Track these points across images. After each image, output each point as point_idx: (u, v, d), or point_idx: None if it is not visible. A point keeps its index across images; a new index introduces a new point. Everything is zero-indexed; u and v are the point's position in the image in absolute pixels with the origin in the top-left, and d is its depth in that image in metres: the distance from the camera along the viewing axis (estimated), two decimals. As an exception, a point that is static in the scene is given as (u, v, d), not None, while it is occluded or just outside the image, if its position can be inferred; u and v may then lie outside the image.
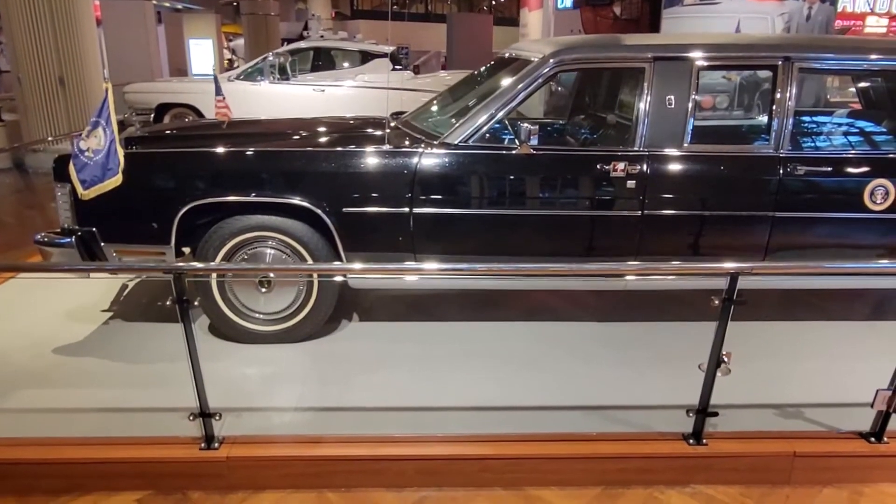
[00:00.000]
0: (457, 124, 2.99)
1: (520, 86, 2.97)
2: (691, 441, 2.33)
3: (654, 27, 8.67)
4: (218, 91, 4.70)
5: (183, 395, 2.24)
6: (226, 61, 19.63)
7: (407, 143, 3.01)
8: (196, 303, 2.23)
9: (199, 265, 2.85)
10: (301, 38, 17.63)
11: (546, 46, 3.13)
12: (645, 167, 2.91)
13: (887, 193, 2.92)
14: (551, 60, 2.98)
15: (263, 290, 3.01)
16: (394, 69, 9.69)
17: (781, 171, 2.93)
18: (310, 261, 2.99)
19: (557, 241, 3.00)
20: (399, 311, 3.52)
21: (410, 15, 29.24)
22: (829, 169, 2.94)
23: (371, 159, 2.92)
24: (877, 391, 2.28)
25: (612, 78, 3.70)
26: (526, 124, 2.87)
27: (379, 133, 3.18)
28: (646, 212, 2.92)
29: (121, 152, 2.72)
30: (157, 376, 2.79)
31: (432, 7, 35.01)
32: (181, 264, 2.34)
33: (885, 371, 2.28)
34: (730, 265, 2.06)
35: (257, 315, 3.06)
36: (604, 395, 2.67)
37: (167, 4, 15.33)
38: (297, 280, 3.03)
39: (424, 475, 2.29)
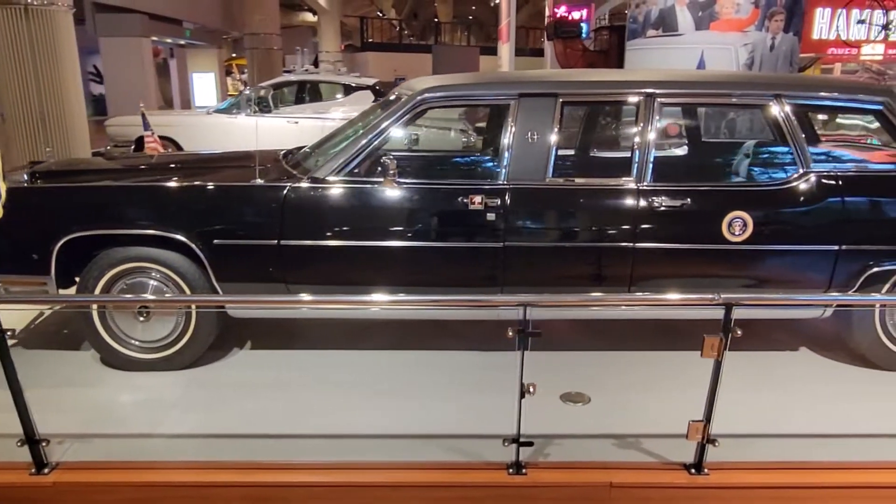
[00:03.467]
0: (326, 159, 3.12)
1: (385, 122, 3.09)
2: (511, 471, 2.37)
3: (623, 59, 8.77)
4: (146, 127, 4.90)
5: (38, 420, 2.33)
6: (238, 91, 20.23)
7: (278, 177, 3.13)
8: (12, 333, 2.32)
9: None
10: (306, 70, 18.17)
11: (420, 84, 3.25)
12: (505, 200, 2.99)
13: (745, 225, 2.95)
14: (417, 98, 3.09)
15: (142, 318, 3.13)
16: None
17: (641, 204, 2.98)
18: (187, 291, 3.10)
19: (423, 272, 3.08)
20: (291, 339, 3.61)
21: (420, 46, 29.77)
22: (688, 201, 2.98)
23: (240, 193, 3.05)
24: (689, 422, 2.30)
25: (484, 113, 3.82)
26: (387, 158, 2.98)
27: (260, 168, 3.30)
28: (507, 243, 2.99)
29: (3, 187, 2.88)
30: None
31: (444, 39, 35.63)
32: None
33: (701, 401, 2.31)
34: (520, 297, 2.12)
35: (136, 343, 3.17)
36: (458, 424, 2.71)
37: (169, 41, 15.91)
38: (174, 310, 3.14)
39: (251, 503, 2.36)
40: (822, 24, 16.12)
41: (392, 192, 3.01)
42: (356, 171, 3.07)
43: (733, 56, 8.22)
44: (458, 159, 3.95)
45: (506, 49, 8.78)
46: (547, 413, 2.80)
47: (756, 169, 3.40)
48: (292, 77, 11.68)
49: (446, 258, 3.04)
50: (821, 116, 8.42)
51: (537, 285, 3.07)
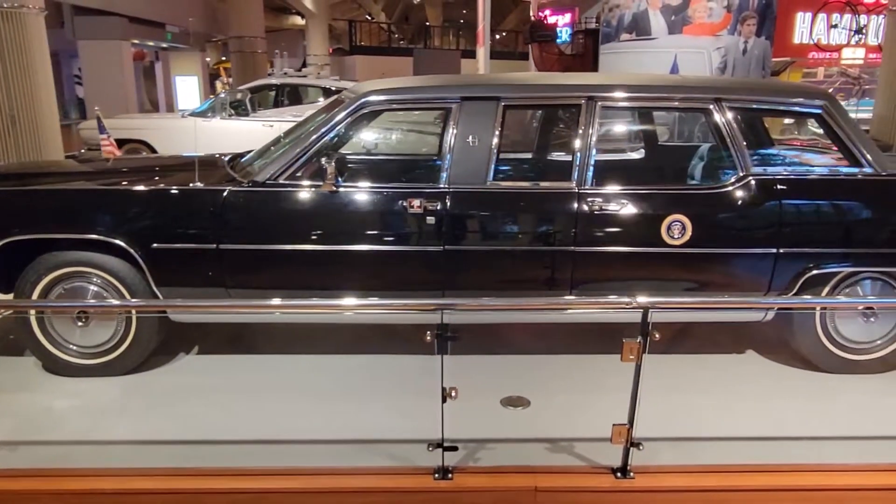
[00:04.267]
0: (266, 163, 3.10)
1: (326, 126, 3.08)
2: (437, 476, 2.36)
3: (598, 62, 8.82)
4: (102, 130, 4.88)
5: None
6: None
7: (219, 181, 3.12)
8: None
9: None
10: (300, 73, 18.17)
11: (364, 88, 3.24)
12: (445, 204, 2.98)
13: (684, 228, 2.95)
14: (358, 102, 3.08)
15: (80, 323, 3.10)
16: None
17: (581, 208, 2.98)
18: (127, 296, 3.08)
19: (364, 276, 3.07)
20: (239, 343, 3.59)
21: (408, 50, 29.80)
22: (627, 204, 2.98)
23: (178, 197, 3.03)
24: (613, 426, 2.30)
25: (427, 117, 3.82)
26: (327, 162, 2.97)
27: (203, 171, 3.29)
28: (447, 247, 2.98)
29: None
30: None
31: (434, 42, 35.65)
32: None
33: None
34: (437, 301, 2.11)
35: (75, 348, 3.15)
36: (398, 429, 2.69)
37: (150, 44, 15.87)
38: (113, 314, 3.12)
39: (173, 508, 2.34)
40: (803, 28, 16.24)
41: (331, 196, 3.00)
42: (297, 174, 3.06)
43: (706, 60, 8.25)
44: (406, 163, 3.94)
45: (482, 52, 8.78)
46: (486, 416, 2.81)
47: (697, 172, 3.41)
48: (272, 80, 11.68)
49: (387, 262, 3.03)
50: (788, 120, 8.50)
51: (478, 289, 3.06)
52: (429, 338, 2.14)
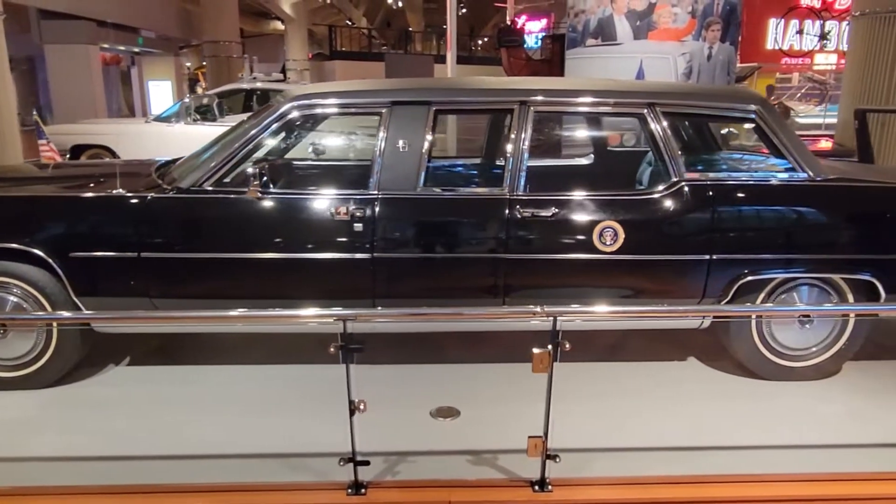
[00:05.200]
0: (191, 169, 3.03)
1: (254, 131, 3.01)
2: (350, 491, 2.28)
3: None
4: (41, 136, 4.77)
5: None
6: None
7: (142, 188, 3.03)
8: None
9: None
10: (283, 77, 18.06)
11: (293, 92, 3.17)
12: (374, 210, 2.92)
13: (616, 235, 2.91)
14: (286, 105, 3.02)
15: (-1, 335, 3.00)
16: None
17: (512, 214, 2.93)
18: (47, 307, 2.98)
19: (291, 284, 2.99)
20: (170, 354, 3.50)
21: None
22: (558, 211, 2.94)
23: (97, 204, 2.94)
24: (528, 438, 2.24)
25: (366, 121, 3.76)
26: (252, 168, 2.90)
27: (127, 178, 3.21)
28: (375, 254, 2.92)
29: None
30: None
31: (415, 47, 35.64)
32: None
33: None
34: (338, 311, 2.04)
35: (-7, 360, 3.04)
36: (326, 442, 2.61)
37: (122, 48, 15.70)
38: (32, 326, 3.02)
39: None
40: (776, 34, 16.39)
41: (256, 203, 2.92)
42: (222, 181, 2.98)
43: (672, 65, 8.26)
44: (338, 168, 3.88)
45: (449, 57, 8.74)
46: (409, 428, 2.74)
47: (631, 178, 3.37)
48: (242, 85, 11.58)
49: (314, 270, 2.96)
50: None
51: (409, 297, 3.00)
52: (332, 349, 2.08)
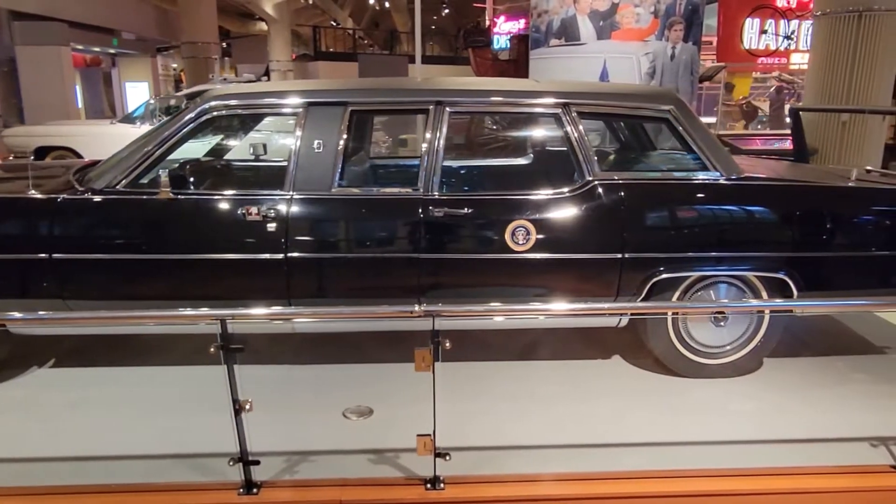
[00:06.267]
0: (105, 170, 3.02)
1: (169, 131, 3.01)
2: (242, 490, 2.29)
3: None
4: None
5: None
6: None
7: (55, 188, 3.02)
8: None
9: None
10: (255, 78, 18.01)
11: (212, 93, 3.18)
12: (287, 211, 2.92)
13: (528, 234, 2.92)
14: (202, 106, 3.02)
15: (-88, 337, 2.99)
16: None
17: (426, 214, 2.94)
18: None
19: (204, 285, 2.99)
20: (98, 355, 3.49)
21: (372, 55, 29.69)
22: (472, 211, 2.95)
23: (7, 206, 2.94)
24: (416, 437, 2.25)
25: (271, 123, 3.77)
26: (165, 169, 2.91)
27: (41, 179, 3.19)
28: (289, 255, 2.92)
29: None
30: None
31: (402, 48, 35.57)
32: None
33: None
34: (218, 311, 2.05)
35: None
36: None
37: (96, 49, 15.62)
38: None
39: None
40: (752, 34, 16.45)
41: (170, 204, 2.92)
42: (136, 182, 2.98)
43: (635, 65, 8.30)
44: (255, 169, 3.88)
45: (417, 57, 8.76)
46: (311, 427, 2.75)
47: (545, 178, 3.38)
48: (215, 86, 11.55)
49: (227, 271, 2.96)
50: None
51: (323, 298, 3.01)
52: (212, 350, 2.08)
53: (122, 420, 2.81)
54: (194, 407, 2.92)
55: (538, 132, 3.74)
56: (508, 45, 9.69)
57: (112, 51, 16.09)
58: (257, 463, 2.28)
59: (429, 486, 2.31)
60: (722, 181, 3.04)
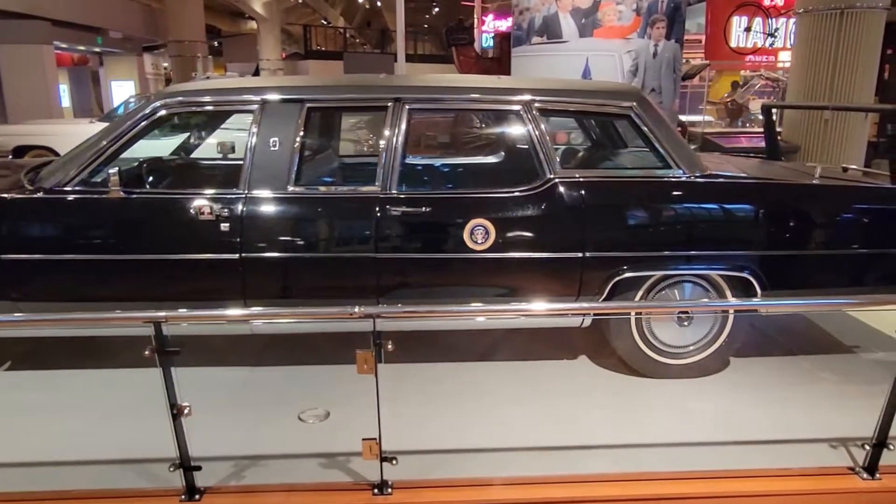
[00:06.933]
0: (56, 169, 2.96)
1: (121, 129, 2.95)
2: (184, 497, 2.23)
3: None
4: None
5: None
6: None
7: (4, 188, 2.96)
8: None
9: None
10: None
11: (168, 90, 3.12)
12: (241, 210, 2.86)
13: (487, 233, 2.87)
14: (152, 104, 2.96)
15: None
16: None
17: (384, 213, 2.89)
18: None
19: (158, 286, 2.93)
20: (54, 358, 3.42)
21: (362, 53, 29.59)
22: (430, 209, 2.90)
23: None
24: (362, 441, 2.19)
25: (233, 120, 3.71)
26: (113, 168, 2.84)
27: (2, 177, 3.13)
28: (244, 255, 2.87)
29: None
30: None
31: (395, 47, 35.45)
32: None
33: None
34: (151, 314, 1.99)
35: None
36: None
37: (81, 48, 15.49)
38: None
39: None
40: (739, 32, 16.43)
41: (120, 203, 2.86)
42: (88, 180, 2.92)
43: (618, 63, 8.25)
44: (211, 167, 3.82)
45: (399, 55, 8.71)
46: (283, 430, 2.69)
47: (505, 176, 3.33)
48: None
49: (180, 272, 2.90)
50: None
51: (279, 297, 2.95)
52: (147, 353, 2.02)
53: (70, 425, 2.74)
54: (145, 410, 2.85)
55: (500, 130, 3.68)
56: (492, 43, 9.61)
57: (97, 49, 15.96)
58: (199, 469, 2.22)
59: (376, 490, 2.26)
60: (684, 179, 2.99)
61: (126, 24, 15.71)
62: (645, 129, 3.02)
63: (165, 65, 26.00)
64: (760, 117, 10.64)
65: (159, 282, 2.93)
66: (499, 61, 9.08)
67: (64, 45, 14.21)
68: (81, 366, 3.27)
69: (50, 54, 12.90)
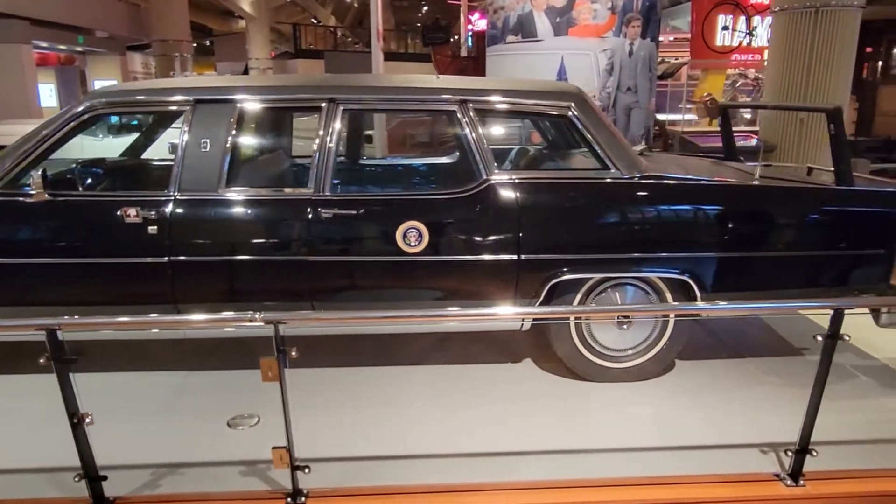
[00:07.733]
0: (-20, 171, 2.90)
1: (48, 130, 2.90)
2: (94, 506, 2.19)
3: (489, 65, 8.75)
4: None
5: None
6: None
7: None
8: None
9: None
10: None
11: (98, 90, 3.06)
12: (170, 212, 2.81)
13: (420, 235, 2.83)
14: (82, 105, 2.91)
15: None
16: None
17: (315, 215, 2.84)
18: None
19: (86, 289, 2.88)
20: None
21: (349, 52, 29.43)
22: (362, 212, 2.85)
23: None
24: (272, 449, 2.15)
25: (159, 121, 3.66)
26: (37, 170, 2.79)
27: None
28: (172, 258, 2.82)
29: None
30: None
31: (388, 46, 35.33)
32: None
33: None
34: (46, 321, 1.94)
35: None
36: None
37: (62, 47, 15.40)
38: None
39: None
40: (722, 31, 16.39)
41: (46, 206, 2.81)
42: (17, 182, 2.87)
43: (593, 62, 8.20)
44: (143, 169, 3.75)
45: (375, 53, 8.63)
46: (207, 437, 2.65)
47: (439, 178, 3.29)
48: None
49: (106, 275, 2.85)
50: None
51: (210, 301, 2.91)
52: (42, 361, 1.97)
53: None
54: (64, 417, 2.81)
55: (436, 131, 3.64)
56: (471, 43, 9.57)
57: (79, 49, 15.87)
58: (104, 478, 2.17)
59: (289, 500, 2.21)
60: (620, 180, 2.95)
61: (110, 23, 15.60)
62: (582, 129, 2.97)
63: (155, 63, 25.92)
64: (746, 116, 10.63)
65: (87, 286, 2.87)
66: (475, 60, 9.04)
67: (44, 45, 14.12)
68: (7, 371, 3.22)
69: (29, 54, 12.80)
